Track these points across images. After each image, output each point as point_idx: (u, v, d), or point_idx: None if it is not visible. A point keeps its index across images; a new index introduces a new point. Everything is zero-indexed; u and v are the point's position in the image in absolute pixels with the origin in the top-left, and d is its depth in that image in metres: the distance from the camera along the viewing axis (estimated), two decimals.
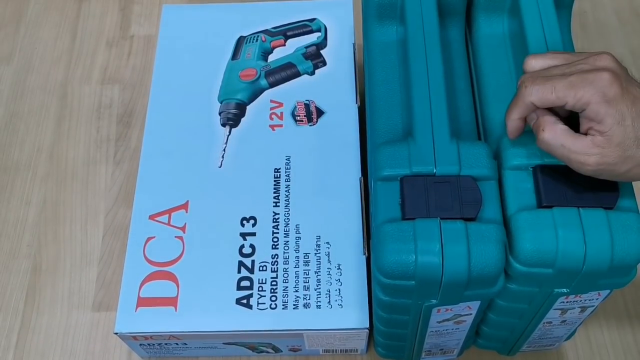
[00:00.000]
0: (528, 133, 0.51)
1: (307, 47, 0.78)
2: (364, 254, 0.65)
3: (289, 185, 0.69)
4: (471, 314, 0.54)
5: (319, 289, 0.63)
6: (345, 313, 0.62)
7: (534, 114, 0.47)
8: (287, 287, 0.64)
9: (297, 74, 0.76)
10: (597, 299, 0.53)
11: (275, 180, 0.69)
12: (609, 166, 0.45)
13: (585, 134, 0.45)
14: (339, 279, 0.64)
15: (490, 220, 0.48)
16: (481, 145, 0.51)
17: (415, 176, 0.49)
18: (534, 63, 0.49)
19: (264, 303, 0.63)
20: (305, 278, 0.64)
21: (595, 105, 0.44)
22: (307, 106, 0.74)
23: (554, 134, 0.46)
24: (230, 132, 0.73)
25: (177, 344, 0.66)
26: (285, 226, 0.67)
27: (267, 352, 0.69)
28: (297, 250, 0.65)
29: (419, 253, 0.46)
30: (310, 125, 0.72)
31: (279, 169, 0.70)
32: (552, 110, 0.47)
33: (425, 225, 0.47)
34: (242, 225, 0.67)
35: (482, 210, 0.48)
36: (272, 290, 0.64)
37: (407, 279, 0.48)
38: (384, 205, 0.50)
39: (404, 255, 0.47)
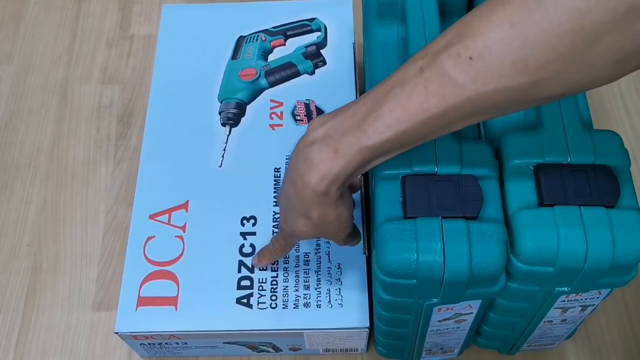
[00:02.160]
0: (529, 131, 0.51)
1: (307, 46, 0.78)
2: (364, 253, 0.65)
3: None
4: (472, 312, 0.54)
5: (319, 288, 0.63)
6: (346, 312, 0.62)
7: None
8: (287, 286, 0.64)
9: (297, 74, 0.76)
10: (597, 297, 0.53)
11: (275, 180, 0.69)
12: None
13: None
14: (339, 279, 0.64)
15: (491, 219, 0.48)
16: (482, 144, 0.51)
17: (416, 175, 0.49)
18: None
19: (264, 302, 0.63)
20: (306, 277, 0.64)
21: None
22: (307, 106, 0.74)
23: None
24: (230, 131, 0.73)
25: (177, 343, 0.66)
26: None
27: (268, 351, 0.69)
28: (297, 250, 0.65)
29: (420, 252, 0.46)
30: None
31: (279, 168, 0.70)
32: None
33: (426, 224, 0.47)
34: (242, 224, 0.67)
35: (483, 209, 0.48)
36: (273, 290, 0.64)
37: (409, 278, 0.48)
38: (385, 204, 0.50)
39: (405, 254, 0.47)
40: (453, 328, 0.58)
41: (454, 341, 0.62)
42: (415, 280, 0.48)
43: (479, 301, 0.52)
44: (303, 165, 0.45)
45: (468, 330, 0.59)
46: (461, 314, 0.54)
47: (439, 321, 0.55)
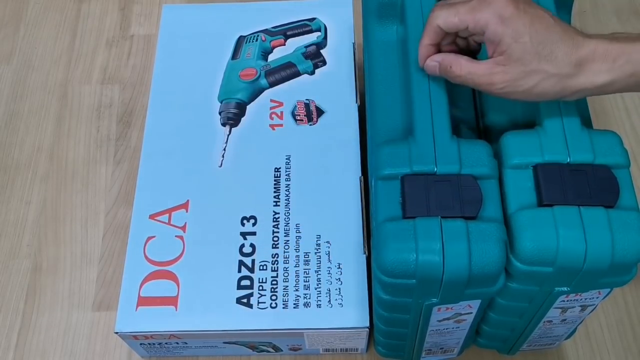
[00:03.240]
0: (528, 131, 0.51)
1: (307, 46, 0.78)
2: (364, 253, 0.65)
3: (289, 184, 0.69)
4: (472, 312, 0.54)
5: (319, 288, 0.63)
6: (346, 312, 0.62)
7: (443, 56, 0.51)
8: (287, 286, 0.64)
9: (297, 74, 0.76)
10: (597, 297, 0.53)
11: (275, 180, 0.69)
12: (513, 82, 0.48)
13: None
14: (339, 278, 0.64)
15: (490, 219, 0.48)
16: (482, 144, 0.51)
17: (416, 175, 0.49)
18: None
19: (264, 302, 0.63)
20: (306, 277, 0.64)
21: (493, 26, 0.47)
22: (307, 106, 0.74)
23: (459, 66, 0.50)
24: (230, 131, 0.73)
25: (177, 343, 0.66)
26: (285, 225, 0.67)
27: (268, 351, 0.69)
28: (297, 250, 0.65)
29: (419, 252, 0.46)
30: (310, 125, 0.73)
31: (279, 168, 0.70)
32: (461, 50, 0.52)
33: (426, 223, 0.47)
34: (243, 224, 0.67)
35: (482, 209, 0.48)
36: (273, 290, 0.64)
37: (408, 278, 0.48)
38: (385, 204, 0.50)
39: (404, 253, 0.47)
40: (453, 328, 0.58)
41: (454, 341, 0.62)
42: (414, 280, 0.48)
43: (479, 301, 0.52)
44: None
45: (468, 330, 0.59)
46: (461, 314, 0.54)
47: (439, 321, 0.55)
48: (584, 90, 0.47)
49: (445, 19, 0.49)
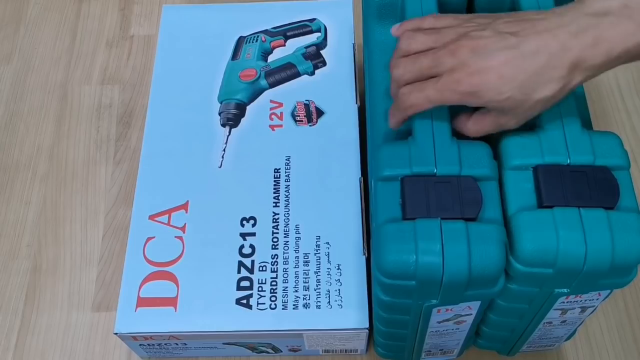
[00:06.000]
0: (528, 132, 0.51)
1: (307, 47, 0.78)
2: (364, 254, 0.65)
3: (288, 185, 0.69)
4: (471, 314, 0.54)
5: (319, 289, 0.63)
6: (345, 313, 0.62)
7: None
8: (286, 287, 0.64)
9: (297, 74, 0.76)
10: (597, 299, 0.53)
11: (275, 181, 0.69)
12: (523, 120, 0.47)
13: None
14: (339, 279, 0.64)
15: (490, 220, 0.48)
16: (482, 146, 0.51)
17: (415, 176, 0.49)
18: (410, 45, 0.49)
19: (264, 303, 0.63)
20: (305, 278, 0.64)
21: (469, 100, 0.46)
22: (307, 106, 0.74)
23: (466, 130, 0.50)
24: (230, 132, 0.73)
25: (176, 344, 0.66)
26: (285, 226, 0.67)
27: (267, 352, 0.69)
28: (296, 251, 0.65)
29: (419, 253, 0.46)
30: (310, 126, 0.72)
31: (279, 169, 0.70)
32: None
33: (425, 225, 0.47)
34: (242, 225, 0.67)
35: (482, 210, 0.48)
36: (272, 291, 0.64)
37: (408, 279, 0.48)
38: (384, 205, 0.50)
39: (404, 255, 0.47)
40: (452, 329, 0.58)
41: (454, 342, 0.62)
42: (414, 282, 0.48)
43: (479, 302, 0.52)
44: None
45: (467, 332, 0.59)
46: (461, 315, 0.54)
47: (438, 322, 0.55)
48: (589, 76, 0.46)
49: (418, 108, 0.49)
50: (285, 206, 0.68)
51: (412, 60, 0.48)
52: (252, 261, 0.65)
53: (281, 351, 0.68)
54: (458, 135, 0.52)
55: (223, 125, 0.73)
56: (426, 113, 0.52)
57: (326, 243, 0.66)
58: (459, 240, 0.47)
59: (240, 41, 0.79)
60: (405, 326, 0.56)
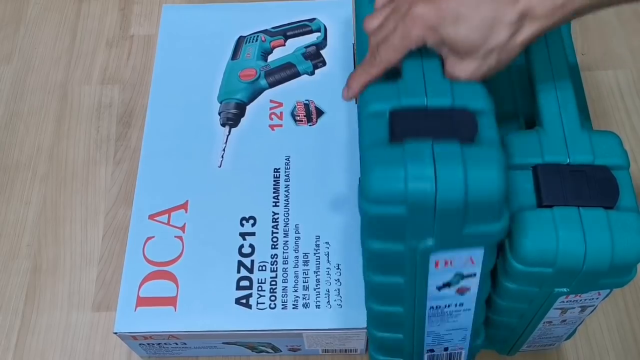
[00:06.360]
0: (528, 132, 0.51)
1: (306, 47, 0.78)
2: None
3: (288, 185, 0.69)
4: (475, 273, 0.50)
5: (319, 288, 0.63)
6: (345, 313, 0.62)
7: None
8: (286, 287, 0.64)
9: (297, 74, 0.76)
10: (597, 298, 0.53)
11: (274, 180, 0.69)
12: (481, 60, 0.46)
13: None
14: (338, 279, 0.64)
15: (487, 142, 0.44)
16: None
17: (405, 110, 0.47)
18: (371, 23, 0.52)
19: (264, 303, 0.63)
20: (305, 278, 0.64)
21: (429, 27, 0.46)
22: (306, 106, 0.74)
23: (452, 74, 0.48)
24: (229, 132, 0.73)
25: (176, 343, 0.66)
26: (284, 226, 0.67)
27: (267, 351, 0.69)
28: (296, 250, 0.65)
29: (409, 178, 0.42)
30: (310, 125, 0.72)
31: (279, 169, 0.70)
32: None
33: (416, 148, 0.43)
34: (242, 225, 0.67)
35: (479, 133, 0.45)
36: (272, 290, 0.64)
37: (397, 204, 0.43)
38: (370, 135, 0.46)
39: (393, 173, 0.43)
40: (455, 304, 0.53)
41: (460, 335, 0.58)
42: (404, 207, 0.43)
43: (482, 252, 0.48)
44: None
45: (473, 315, 0.55)
46: (463, 276, 0.50)
47: (438, 288, 0.51)
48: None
49: (390, 58, 0.49)
50: (285, 206, 0.68)
51: (379, 29, 0.50)
52: (252, 261, 0.65)
53: (281, 351, 0.68)
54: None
55: (223, 125, 0.73)
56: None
57: (326, 243, 0.66)
58: (453, 163, 0.42)
59: (240, 41, 0.79)
60: (401, 300, 0.52)
